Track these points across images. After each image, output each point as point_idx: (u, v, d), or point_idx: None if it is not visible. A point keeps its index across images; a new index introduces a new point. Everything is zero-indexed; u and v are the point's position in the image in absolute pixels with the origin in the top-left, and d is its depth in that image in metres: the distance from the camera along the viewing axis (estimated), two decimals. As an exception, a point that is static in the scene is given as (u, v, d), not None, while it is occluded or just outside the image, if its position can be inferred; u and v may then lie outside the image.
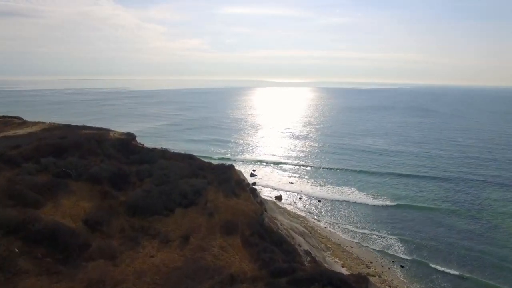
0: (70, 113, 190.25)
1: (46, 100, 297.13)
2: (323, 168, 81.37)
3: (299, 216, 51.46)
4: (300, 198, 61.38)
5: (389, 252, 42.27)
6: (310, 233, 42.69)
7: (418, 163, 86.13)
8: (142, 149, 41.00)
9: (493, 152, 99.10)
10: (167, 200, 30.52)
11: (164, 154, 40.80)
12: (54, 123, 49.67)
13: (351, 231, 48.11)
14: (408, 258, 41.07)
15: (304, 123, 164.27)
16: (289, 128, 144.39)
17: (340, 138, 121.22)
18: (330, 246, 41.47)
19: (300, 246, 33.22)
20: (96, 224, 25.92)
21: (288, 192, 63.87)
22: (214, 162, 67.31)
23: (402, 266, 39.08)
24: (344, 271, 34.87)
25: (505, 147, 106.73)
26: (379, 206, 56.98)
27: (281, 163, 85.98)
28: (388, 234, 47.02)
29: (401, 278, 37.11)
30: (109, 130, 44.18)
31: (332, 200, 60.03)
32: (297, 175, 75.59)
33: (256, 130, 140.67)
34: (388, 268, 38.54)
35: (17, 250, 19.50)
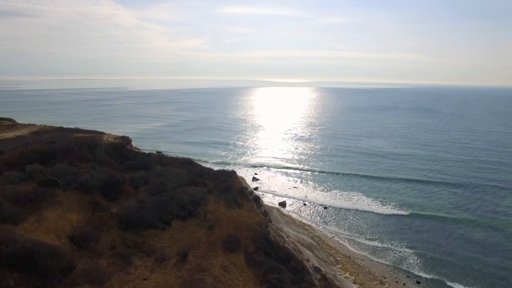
0: (69, 113, 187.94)
1: (45, 100, 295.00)
2: (327, 172, 78.67)
3: (304, 225, 48.65)
4: (304, 204, 58.63)
5: (403, 267, 39.23)
6: (318, 244, 39.94)
7: (425, 166, 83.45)
8: (138, 154, 38.32)
9: (501, 155, 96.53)
10: (163, 211, 27.81)
11: (161, 159, 38.15)
12: (45, 125, 46.91)
13: (360, 242, 45.21)
14: (423, 274, 38.11)
15: (306, 124, 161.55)
16: (291, 130, 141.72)
17: (343, 140, 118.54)
18: (339, 259, 38.55)
19: (308, 261, 30.50)
20: (84, 241, 23.25)
21: (292, 198, 61.11)
22: (214, 166, 64.51)
23: (418, 282, 36.17)
24: (356, 289, 32.21)
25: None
26: (388, 214, 54.19)
27: (283, 166, 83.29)
28: (399, 246, 44.26)
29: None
30: (102, 133, 41.44)
31: (339, 207, 57.25)
32: (300, 179, 72.89)
33: (257, 131, 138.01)
34: (404, 284, 35.60)
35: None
